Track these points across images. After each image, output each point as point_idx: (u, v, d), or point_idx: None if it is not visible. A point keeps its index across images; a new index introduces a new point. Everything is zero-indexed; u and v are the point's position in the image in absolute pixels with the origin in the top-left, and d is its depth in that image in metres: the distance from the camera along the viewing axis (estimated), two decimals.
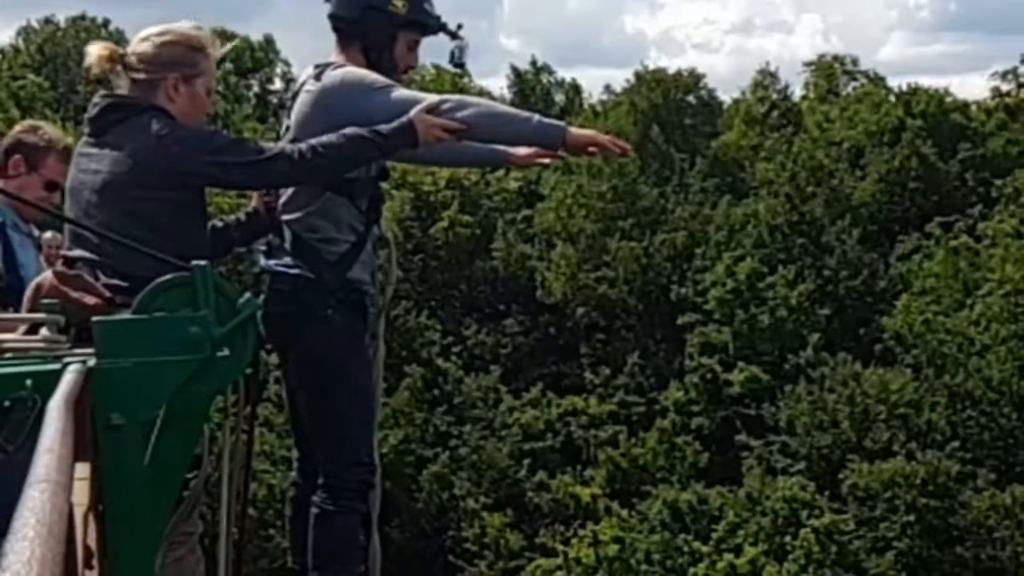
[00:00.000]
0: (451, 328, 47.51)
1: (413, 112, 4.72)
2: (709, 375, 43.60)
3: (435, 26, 5.12)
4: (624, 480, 41.01)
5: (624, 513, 39.16)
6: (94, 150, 4.61)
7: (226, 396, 4.23)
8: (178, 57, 4.69)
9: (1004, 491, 39.56)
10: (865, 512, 39.24)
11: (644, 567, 37.68)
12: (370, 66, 4.98)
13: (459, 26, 5.19)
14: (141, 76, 4.66)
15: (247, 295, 3.70)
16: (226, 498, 4.24)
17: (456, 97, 4.93)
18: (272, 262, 4.97)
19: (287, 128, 5.08)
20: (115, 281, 4.29)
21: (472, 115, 4.77)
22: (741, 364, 43.83)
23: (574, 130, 4.90)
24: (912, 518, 38.87)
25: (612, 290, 48.07)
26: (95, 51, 4.70)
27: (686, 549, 38.22)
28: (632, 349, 45.88)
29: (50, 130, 5.78)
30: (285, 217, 4.96)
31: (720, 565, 37.30)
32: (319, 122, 4.80)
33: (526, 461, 41.75)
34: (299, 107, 4.96)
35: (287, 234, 4.95)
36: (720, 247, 48.75)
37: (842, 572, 37.63)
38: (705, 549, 37.96)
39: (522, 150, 5.36)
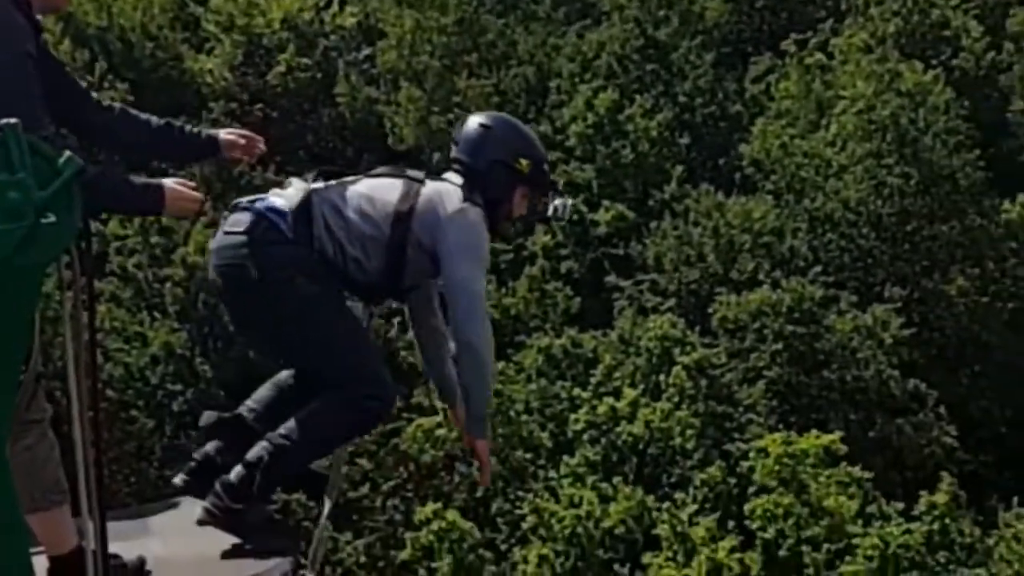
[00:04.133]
0: None
1: (170, 181, 4.85)
2: (575, 216, 42.90)
3: (547, 186, 5.60)
4: (497, 332, 40.31)
5: (500, 365, 38.70)
6: None
7: (59, 268, 3.94)
8: None
9: (865, 312, 40.23)
10: (735, 344, 39.55)
11: (524, 417, 37.50)
12: (487, 209, 5.29)
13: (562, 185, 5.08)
14: None
15: (67, 153, 3.44)
16: (74, 377, 4.03)
17: (475, 353, 5.09)
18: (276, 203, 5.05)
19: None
20: None
21: (471, 368, 5.07)
22: (606, 203, 43.25)
23: (479, 444, 5.21)
24: (780, 346, 39.34)
25: None
26: None
27: (565, 396, 38.12)
28: None
29: None
30: (344, 231, 5.07)
31: (601, 409, 37.29)
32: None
33: (396, 320, 40.80)
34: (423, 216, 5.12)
35: (337, 231, 5.02)
36: (573, 79, 47.64)
37: (715, 405, 37.99)
38: (585, 395, 37.88)
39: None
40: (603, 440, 37.05)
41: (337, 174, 5.42)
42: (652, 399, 37.99)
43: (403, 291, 5.28)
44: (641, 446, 36.95)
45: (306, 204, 5.05)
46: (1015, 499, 36.47)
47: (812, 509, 35.45)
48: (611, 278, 41.72)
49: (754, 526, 35.97)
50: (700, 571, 34.23)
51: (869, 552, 33.48)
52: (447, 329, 5.38)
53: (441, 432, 37.34)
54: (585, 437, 37.24)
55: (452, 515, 34.67)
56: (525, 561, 34.24)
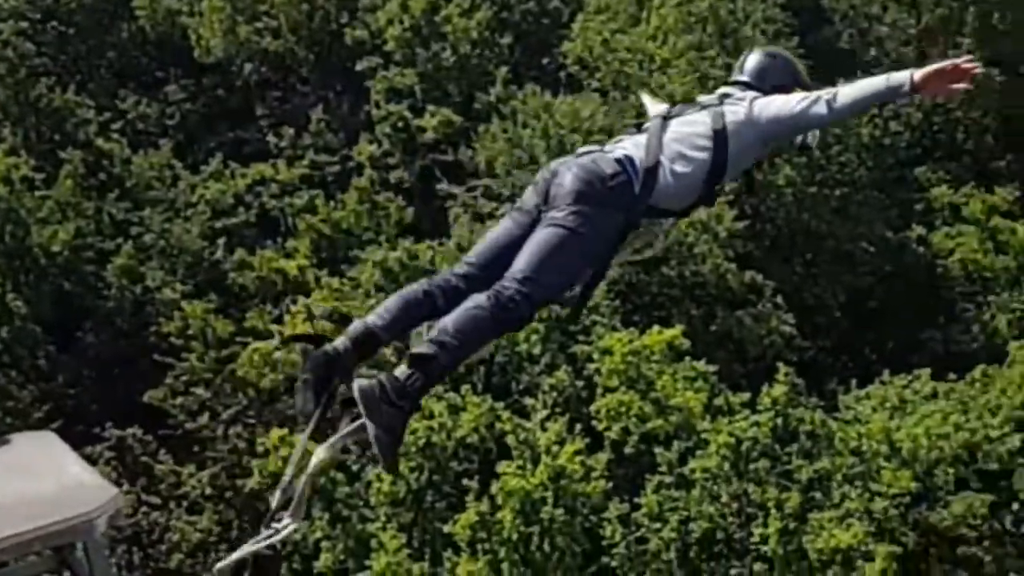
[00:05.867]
0: (106, 103, 43.22)
1: None
2: (400, 123, 41.51)
3: None
4: (330, 247, 38.99)
5: (335, 282, 37.39)
6: None
7: None
8: None
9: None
10: None
11: None
12: None
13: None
14: None
15: None
16: None
17: (833, 89, 5.83)
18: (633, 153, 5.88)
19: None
20: None
21: (847, 100, 5.75)
22: (431, 108, 41.95)
23: (917, 77, 5.66)
24: None
25: (277, 41, 44.64)
26: None
27: None
28: (312, 104, 43.08)
29: None
30: (683, 164, 5.87)
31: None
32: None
33: (220, 240, 39.03)
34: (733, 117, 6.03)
35: (672, 165, 5.85)
36: None
37: (558, 308, 37.48)
38: None
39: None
40: None
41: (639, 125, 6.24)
42: None
43: (712, 199, 6.08)
44: (487, 354, 36.26)
45: (656, 165, 5.82)
46: (853, 382, 37.16)
47: (660, 406, 35.45)
48: (443, 185, 40.62)
49: (601, 427, 35.87)
50: (542, 477, 34.00)
51: (722, 451, 33.66)
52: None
53: (279, 355, 36.00)
54: None
55: (299, 439, 33.46)
56: (379, 479, 33.32)
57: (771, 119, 5.90)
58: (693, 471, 34.33)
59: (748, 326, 37.91)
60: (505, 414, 34.82)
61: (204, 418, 34.66)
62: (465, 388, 35.24)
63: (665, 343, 36.32)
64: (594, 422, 35.66)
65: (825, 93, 5.81)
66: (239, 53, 44.70)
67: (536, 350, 36.46)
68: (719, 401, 35.75)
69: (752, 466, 34.37)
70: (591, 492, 33.96)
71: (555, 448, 34.53)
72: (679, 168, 5.84)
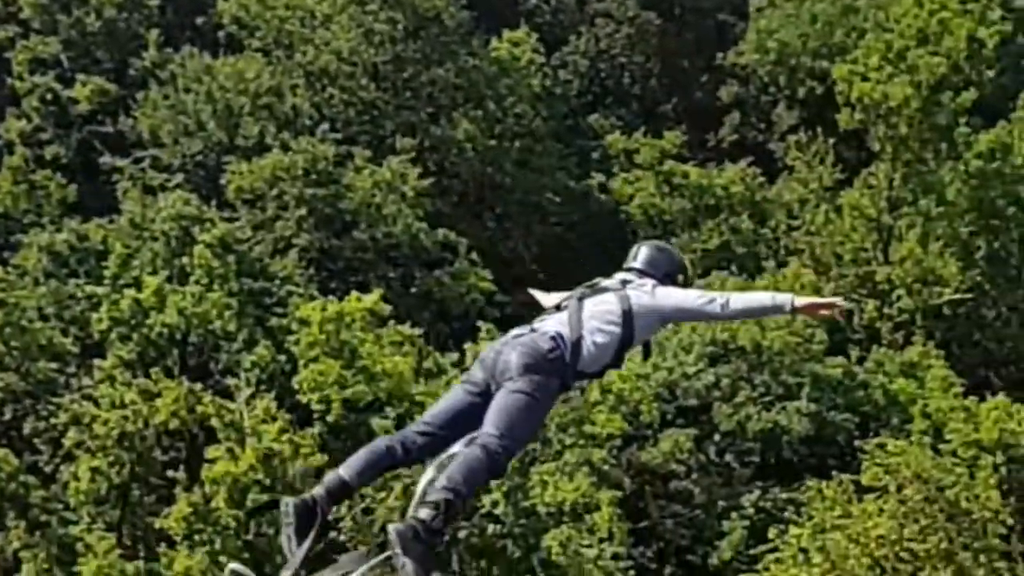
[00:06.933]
0: None
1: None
2: (49, 95, 37.73)
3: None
4: None
5: None
6: None
7: None
8: None
9: (381, 166, 38.85)
10: (257, 214, 36.83)
11: (39, 325, 32.79)
12: None
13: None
14: None
15: None
16: None
17: (726, 295, 7.08)
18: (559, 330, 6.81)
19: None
20: None
21: (738, 307, 6.97)
22: (81, 77, 38.39)
23: (799, 304, 6.95)
24: (304, 211, 37.15)
25: None
26: None
27: (81, 295, 33.74)
28: None
29: None
30: (601, 336, 6.90)
31: (124, 304, 33.36)
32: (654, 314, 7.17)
33: None
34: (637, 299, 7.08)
35: (592, 337, 6.88)
36: None
37: (249, 281, 35.27)
38: (102, 291, 33.69)
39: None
40: (135, 336, 33.24)
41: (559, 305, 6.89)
42: (179, 284, 34.53)
43: (620, 363, 7.03)
44: (179, 335, 33.54)
45: (580, 339, 6.76)
46: None
47: (368, 374, 33.95)
48: (106, 158, 37.25)
49: (305, 400, 34.05)
50: (251, 460, 31.88)
51: None
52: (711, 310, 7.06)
53: None
54: (114, 335, 33.24)
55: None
56: (76, 478, 30.10)
57: (672, 308, 7.04)
58: None
59: (447, 285, 36.95)
60: (207, 396, 32.26)
61: None
62: (156, 371, 32.37)
63: (365, 309, 34.76)
64: (298, 396, 33.75)
65: (719, 296, 7.03)
66: None
67: (232, 326, 34.06)
68: (428, 363, 34.60)
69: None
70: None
71: (262, 428, 32.41)
72: (598, 340, 6.88)
